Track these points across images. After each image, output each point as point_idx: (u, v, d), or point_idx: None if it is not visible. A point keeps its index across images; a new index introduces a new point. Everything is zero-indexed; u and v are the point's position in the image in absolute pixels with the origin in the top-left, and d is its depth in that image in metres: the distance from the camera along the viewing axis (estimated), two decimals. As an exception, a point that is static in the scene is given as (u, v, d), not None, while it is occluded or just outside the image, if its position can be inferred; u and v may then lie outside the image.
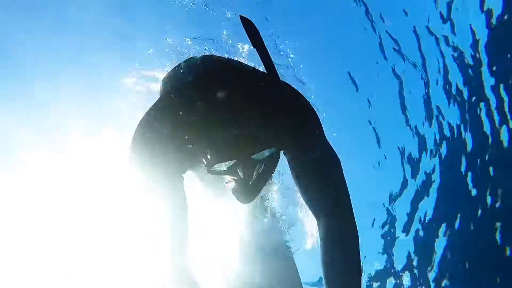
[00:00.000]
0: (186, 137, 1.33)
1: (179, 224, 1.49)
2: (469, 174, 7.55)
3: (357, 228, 1.39)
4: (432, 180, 7.81)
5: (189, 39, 2.74)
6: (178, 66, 1.62)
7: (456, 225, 7.84)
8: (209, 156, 1.31)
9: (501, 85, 6.79)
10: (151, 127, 1.34)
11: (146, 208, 1.50)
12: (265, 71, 1.27)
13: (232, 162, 1.29)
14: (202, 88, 1.29)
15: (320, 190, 1.40)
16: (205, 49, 2.62)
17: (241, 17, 1.24)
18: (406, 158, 7.75)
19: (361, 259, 1.36)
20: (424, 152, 7.67)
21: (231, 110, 1.24)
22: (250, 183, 1.33)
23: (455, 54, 7.01)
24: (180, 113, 1.30)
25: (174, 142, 1.33)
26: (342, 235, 1.36)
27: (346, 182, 1.40)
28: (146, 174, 1.40)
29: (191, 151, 1.40)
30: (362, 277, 1.34)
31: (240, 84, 1.30)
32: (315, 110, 1.43)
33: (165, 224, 1.46)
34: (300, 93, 1.47)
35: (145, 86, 2.99)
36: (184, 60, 1.64)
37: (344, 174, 1.41)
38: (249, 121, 1.27)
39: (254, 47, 1.24)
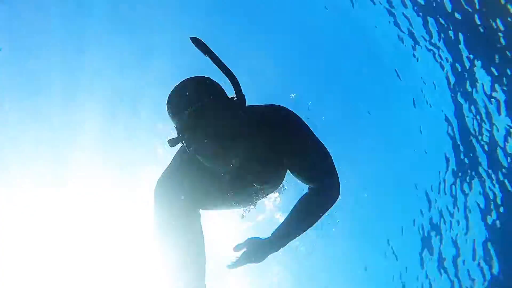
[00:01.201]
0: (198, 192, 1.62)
1: (196, 259, 1.61)
2: None
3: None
4: None
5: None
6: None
7: None
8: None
9: None
10: (170, 179, 1.61)
11: (165, 244, 1.61)
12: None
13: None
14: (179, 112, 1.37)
15: (316, 176, 1.69)
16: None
17: (192, 38, 1.38)
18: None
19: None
20: None
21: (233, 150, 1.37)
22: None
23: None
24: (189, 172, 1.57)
25: (189, 192, 1.58)
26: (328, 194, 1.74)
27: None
28: (167, 211, 1.58)
29: (206, 195, 1.66)
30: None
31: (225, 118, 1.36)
32: (294, 113, 1.58)
33: (182, 259, 1.58)
34: (274, 106, 1.61)
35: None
36: None
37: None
38: (249, 153, 1.44)
39: (218, 66, 1.35)
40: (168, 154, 1.74)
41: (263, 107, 1.59)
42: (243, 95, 1.38)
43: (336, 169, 1.69)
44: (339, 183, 1.72)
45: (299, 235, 1.79)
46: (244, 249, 1.74)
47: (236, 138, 1.34)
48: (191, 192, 1.59)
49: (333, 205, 1.75)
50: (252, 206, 2.30)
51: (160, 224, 1.60)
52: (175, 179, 1.59)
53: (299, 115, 1.59)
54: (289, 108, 1.61)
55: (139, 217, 7.43)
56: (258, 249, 1.73)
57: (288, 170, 1.75)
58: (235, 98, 1.37)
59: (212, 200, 1.73)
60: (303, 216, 1.75)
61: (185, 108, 1.29)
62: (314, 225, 1.78)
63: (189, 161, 1.54)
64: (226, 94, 1.41)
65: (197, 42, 1.37)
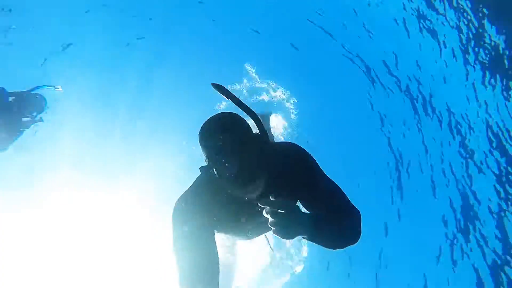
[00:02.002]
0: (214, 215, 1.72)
1: (210, 276, 1.63)
2: None
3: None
4: None
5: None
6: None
7: None
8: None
9: None
10: (189, 199, 1.72)
11: (180, 258, 1.65)
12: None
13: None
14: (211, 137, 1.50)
15: (329, 209, 1.65)
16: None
17: (213, 84, 1.48)
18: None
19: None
20: None
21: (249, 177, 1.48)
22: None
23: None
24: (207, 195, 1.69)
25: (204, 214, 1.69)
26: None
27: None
28: (183, 229, 1.67)
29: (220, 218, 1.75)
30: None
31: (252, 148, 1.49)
32: (308, 152, 1.76)
33: (195, 274, 1.61)
34: (291, 143, 1.80)
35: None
36: None
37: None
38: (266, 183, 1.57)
39: (239, 107, 1.49)
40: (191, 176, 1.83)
41: (281, 143, 1.81)
42: (266, 132, 1.52)
43: (354, 205, 1.67)
44: (359, 216, 1.65)
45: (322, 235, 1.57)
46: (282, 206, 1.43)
47: (262, 169, 1.48)
48: (207, 214, 1.68)
49: (350, 241, 1.64)
50: (264, 236, 2.38)
51: (176, 240, 1.67)
52: (193, 200, 1.70)
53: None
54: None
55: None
56: (296, 214, 1.42)
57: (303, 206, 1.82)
58: (259, 134, 1.53)
59: (226, 224, 1.81)
60: (323, 225, 1.55)
61: (219, 135, 1.43)
62: (330, 245, 1.62)
63: (209, 186, 1.68)
64: (251, 130, 1.56)
65: (218, 87, 1.51)
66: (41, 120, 5.03)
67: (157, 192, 8.00)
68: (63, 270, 8.02)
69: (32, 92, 4.98)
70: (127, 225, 8.25)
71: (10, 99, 4.74)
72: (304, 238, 1.47)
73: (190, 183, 1.82)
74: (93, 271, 8.08)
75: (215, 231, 1.81)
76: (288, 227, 1.37)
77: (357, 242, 1.64)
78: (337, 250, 1.64)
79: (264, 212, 1.38)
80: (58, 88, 5.28)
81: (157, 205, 7.90)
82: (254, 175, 1.46)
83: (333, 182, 1.71)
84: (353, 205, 1.66)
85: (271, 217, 1.36)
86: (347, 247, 1.64)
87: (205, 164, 1.57)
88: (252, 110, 1.53)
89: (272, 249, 2.95)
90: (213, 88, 1.54)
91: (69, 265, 8.05)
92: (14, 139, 4.81)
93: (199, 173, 1.71)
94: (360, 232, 1.64)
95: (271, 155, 1.59)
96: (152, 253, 7.91)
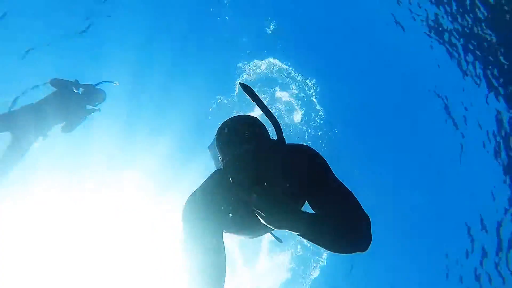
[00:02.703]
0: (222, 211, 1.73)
1: (216, 275, 1.62)
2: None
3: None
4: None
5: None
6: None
7: None
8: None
9: None
10: (198, 198, 1.74)
11: (188, 256, 1.64)
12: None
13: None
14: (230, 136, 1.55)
15: (338, 214, 1.58)
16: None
17: (241, 84, 1.49)
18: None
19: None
20: None
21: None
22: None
23: None
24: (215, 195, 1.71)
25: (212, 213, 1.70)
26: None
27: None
28: (192, 227, 1.68)
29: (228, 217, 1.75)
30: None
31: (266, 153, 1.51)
32: (319, 153, 1.77)
33: (202, 272, 1.60)
34: (304, 145, 1.82)
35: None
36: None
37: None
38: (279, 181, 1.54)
39: (262, 111, 1.49)
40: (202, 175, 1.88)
41: (294, 144, 1.79)
42: (284, 139, 1.53)
43: (365, 212, 1.58)
44: (367, 221, 1.56)
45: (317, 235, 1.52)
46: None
47: (277, 178, 1.49)
48: (216, 213, 1.70)
49: (355, 246, 1.54)
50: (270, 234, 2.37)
51: (185, 238, 1.67)
52: (203, 199, 1.71)
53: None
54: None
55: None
56: (283, 202, 1.42)
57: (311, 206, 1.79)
58: (276, 139, 1.54)
59: (235, 224, 1.81)
60: (322, 223, 1.51)
61: (238, 144, 1.48)
62: (328, 246, 1.53)
63: (220, 186, 1.70)
64: (269, 135, 1.60)
65: (245, 88, 1.51)
66: (99, 110, 6.04)
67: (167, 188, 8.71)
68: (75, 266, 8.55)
69: (96, 87, 5.99)
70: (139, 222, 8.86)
71: (81, 90, 5.77)
72: (299, 235, 1.45)
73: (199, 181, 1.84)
74: (103, 269, 8.58)
75: (224, 231, 1.82)
76: (274, 214, 1.39)
77: (367, 249, 1.53)
78: (347, 255, 1.55)
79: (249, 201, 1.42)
80: (116, 83, 6.29)
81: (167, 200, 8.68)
82: (269, 186, 1.45)
83: (343, 185, 1.67)
84: (362, 210, 1.58)
85: (257, 204, 1.40)
86: (355, 252, 1.54)
87: (217, 163, 1.68)
88: (274, 115, 1.51)
89: (280, 241, 2.81)
90: (240, 88, 1.51)
91: (82, 260, 8.57)
92: (79, 123, 5.82)
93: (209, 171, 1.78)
94: (368, 239, 1.53)
95: (286, 159, 1.61)
96: (159, 251, 8.60)
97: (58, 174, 8.52)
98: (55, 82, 5.62)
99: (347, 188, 1.66)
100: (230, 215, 1.74)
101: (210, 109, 8.61)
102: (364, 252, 1.54)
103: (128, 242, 8.84)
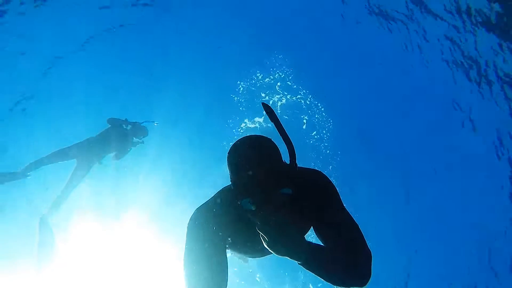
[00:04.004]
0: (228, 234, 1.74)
1: (218, 283, 1.62)
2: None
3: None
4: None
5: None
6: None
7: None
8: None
9: None
10: (205, 213, 1.74)
11: (190, 270, 1.64)
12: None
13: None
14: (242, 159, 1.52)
15: (343, 246, 1.58)
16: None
17: (263, 104, 1.49)
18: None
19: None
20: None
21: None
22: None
23: None
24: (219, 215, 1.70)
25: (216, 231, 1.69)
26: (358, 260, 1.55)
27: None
28: (196, 240, 1.68)
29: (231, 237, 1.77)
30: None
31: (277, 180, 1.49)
32: (332, 183, 1.74)
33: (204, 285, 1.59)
34: (317, 171, 1.79)
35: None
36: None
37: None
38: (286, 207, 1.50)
39: (280, 134, 1.49)
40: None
41: (307, 169, 1.77)
42: (297, 164, 1.51)
43: (368, 247, 1.58)
44: (369, 256, 1.56)
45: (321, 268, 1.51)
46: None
47: (286, 205, 1.47)
48: (223, 229, 1.70)
49: (354, 281, 1.54)
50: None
51: (187, 252, 1.67)
52: (209, 214, 1.71)
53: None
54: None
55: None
56: (288, 230, 1.44)
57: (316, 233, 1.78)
58: (289, 163, 1.52)
59: (240, 244, 1.83)
60: (324, 258, 1.51)
61: (248, 168, 1.45)
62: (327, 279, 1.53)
63: (229, 204, 1.68)
64: (281, 157, 1.56)
65: (267, 108, 1.51)
66: (143, 142, 7.58)
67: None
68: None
69: (141, 124, 7.58)
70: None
71: (129, 126, 7.37)
72: (299, 264, 1.46)
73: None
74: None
75: (227, 247, 1.81)
76: (276, 240, 1.41)
77: (366, 285, 1.54)
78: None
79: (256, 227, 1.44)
80: (156, 123, 7.89)
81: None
82: (277, 211, 1.45)
83: (351, 217, 1.66)
84: (365, 244, 1.58)
85: (261, 228, 1.42)
86: (354, 287, 1.54)
87: (228, 180, 1.62)
88: (290, 140, 1.50)
89: None
90: (262, 107, 1.51)
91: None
92: (127, 152, 7.38)
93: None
94: (368, 274, 1.53)
95: (297, 184, 1.59)
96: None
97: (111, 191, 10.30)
98: (110, 120, 7.28)
99: (353, 220, 1.66)
100: (229, 239, 1.76)
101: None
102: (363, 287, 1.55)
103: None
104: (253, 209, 1.44)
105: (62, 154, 6.83)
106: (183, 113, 11.02)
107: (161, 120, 8.46)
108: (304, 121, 10.39)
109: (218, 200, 1.77)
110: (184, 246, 1.69)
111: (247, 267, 10.43)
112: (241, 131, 10.06)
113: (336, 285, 1.55)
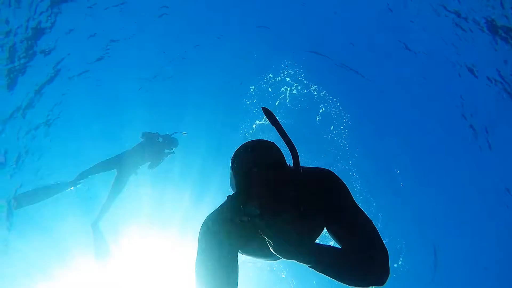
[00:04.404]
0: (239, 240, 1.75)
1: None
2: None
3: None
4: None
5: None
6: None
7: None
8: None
9: None
10: (215, 220, 1.75)
11: (202, 276, 1.65)
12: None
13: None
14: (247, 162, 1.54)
15: (356, 243, 1.56)
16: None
17: (264, 108, 1.51)
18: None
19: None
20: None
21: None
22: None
23: None
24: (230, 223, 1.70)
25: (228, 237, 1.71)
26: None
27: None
28: (207, 248, 1.69)
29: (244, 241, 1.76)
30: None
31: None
32: (341, 180, 1.72)
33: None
34: (324, 170, 1.77)
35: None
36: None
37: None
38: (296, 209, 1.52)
39: (282, 137, 1.50)
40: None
41: (315, 168, 1.76)
42: (300, 168, 1.52)
43: (384, 244, 1.53)
44: (385, 254, 1.53)
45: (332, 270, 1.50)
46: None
47: (290, 208, 1.48)
48: (233, 236, 1.70)
49: (371, 280, 1.51)
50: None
51: (199, 259, 1.68)
52: (220, 221, 1.72)
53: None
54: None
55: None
56: (292, 233, 1.43)
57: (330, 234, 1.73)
58: (292, 167, 1.53)
59: (251, 248, 1.82)
60: (337, 260, 1.50)
61: (252, 170, 1.48)
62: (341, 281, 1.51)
63: (235, 210, 1.65)
64: (285, 161, 1.58)
65: (267, 113, 1.53)
66: (174, 152, 8.42)
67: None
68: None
69: (171, 136, 8.43)
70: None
71: (161, 139, 8.24)
72: (310, 267, 1.45)
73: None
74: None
75: (240, 251, 1.82)
76: (282, 244, 1.41)
77: (384, 284, 1.50)
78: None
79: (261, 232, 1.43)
80: (184, 133, 8.70)
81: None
82: (280, 217, 1.42)
83: (365, 214, 1.63)
84: (381, 241, 1.54)
85: (266, 233, 1.42)
86: (372, 286, 1.52)
87: (231, 186, 1.65)
88: (293, 143, 1.49)
89: None
90: (262, 111, 1.51)
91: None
92: (159, 163, 8.25)
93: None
94: (385, 273, 1.50)
95: (302, 187, 1.57)
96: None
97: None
98: (144, 134, 8.18)
99: (367, 217, 1.62)
100: (240, 245, 1.77)
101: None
102: (381, 287, 1.52)
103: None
104: (258, 212, 1.43)
105: (104, 165, 7.79)
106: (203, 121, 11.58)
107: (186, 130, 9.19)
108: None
109: (226, 207, 1.79)
110: (196, 252, 1.72)
111: (271, 264, 10.97)
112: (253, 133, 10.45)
113: (355, 285, 1.53)
